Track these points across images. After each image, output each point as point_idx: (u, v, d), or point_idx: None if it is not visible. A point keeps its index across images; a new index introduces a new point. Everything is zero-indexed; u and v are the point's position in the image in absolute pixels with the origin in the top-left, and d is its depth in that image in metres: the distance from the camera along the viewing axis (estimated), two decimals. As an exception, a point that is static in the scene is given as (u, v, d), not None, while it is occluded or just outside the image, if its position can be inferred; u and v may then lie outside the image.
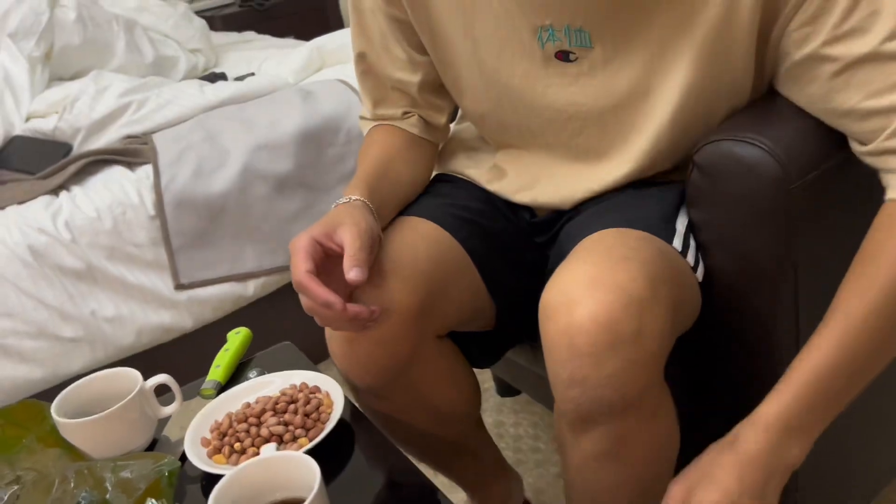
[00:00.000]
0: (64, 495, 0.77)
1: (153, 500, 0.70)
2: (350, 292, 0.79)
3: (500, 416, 1.49)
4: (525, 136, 0.94)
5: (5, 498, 0.79)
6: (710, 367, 0.88)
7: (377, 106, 1.00)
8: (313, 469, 0.66)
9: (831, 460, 0.93)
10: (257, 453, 0.80)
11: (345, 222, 0.79)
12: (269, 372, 0.96)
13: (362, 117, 1.03)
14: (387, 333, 0.82)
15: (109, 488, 0.77)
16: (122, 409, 0.83)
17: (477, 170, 1.03)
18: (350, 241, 0.77)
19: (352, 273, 0.74)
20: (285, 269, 1.63)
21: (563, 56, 0.84)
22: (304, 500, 0.68)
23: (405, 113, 0.99)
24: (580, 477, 0.77)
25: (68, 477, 0.79)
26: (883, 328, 0.67)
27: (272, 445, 0.74)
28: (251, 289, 1.61)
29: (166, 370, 0.92)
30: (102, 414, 0.82)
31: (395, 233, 0.89)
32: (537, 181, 0.96)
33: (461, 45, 0.90)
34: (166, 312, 1.52)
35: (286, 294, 1.67)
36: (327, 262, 0.78)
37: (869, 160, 0.73)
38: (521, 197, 0.97)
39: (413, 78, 0.96)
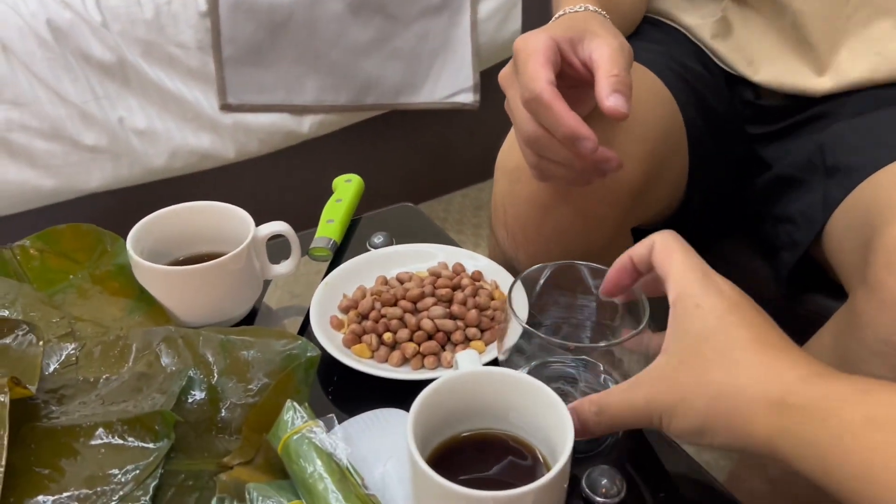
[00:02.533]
0: (150, 370, 0.54)
1: (297, 407, 0.48)
2: None
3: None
4: None
5: (62, 358, 0.56)
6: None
7: None
8: (563, 416, 0.45)
9: None
10: (419, 352, 0.58)
11: (597, 32, 0.55)
12: (396, 239, 0.73)
13: None
14: (597, 207, 0.61)
15: (216, 372, 0.54)
16: (229, 261, 0.59)
17: (698, 18, 0.78)
18: (609, 56, 0.52)
19: (611, 100, 0.51)
20: (348, 108, 1.37)
21: None
22: (526, 448, 0.47)
23: None
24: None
25: (152, 344, 0.56)
26: None
27: (472, 353, 0.52)
28: (306, 125, 1.34)
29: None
30: (206, 264, 0.58)
31: None
32: (780, 55, 0.72)
33: None
34: (206, 135, 1.26)
35: (346, 139, 1.41)
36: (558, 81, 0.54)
37: None
38: (753, 72, 0.74)
39: None
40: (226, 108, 1.27)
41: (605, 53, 0.53)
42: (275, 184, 1.40)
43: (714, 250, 0.84)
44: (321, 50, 1.32)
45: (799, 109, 0.75)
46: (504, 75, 0.57)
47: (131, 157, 1.20)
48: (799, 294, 0.73)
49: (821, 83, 0.72)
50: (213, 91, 1.25)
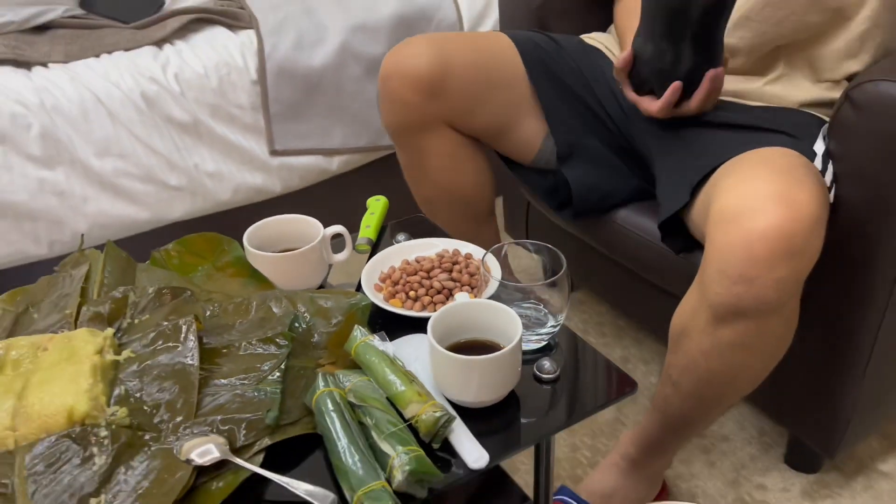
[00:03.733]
0: (268, 314, 0.88)
1: (360, 328, 0.82)
2: None
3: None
4: None
5: (207, 312, 0.90)
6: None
7: None
8: (515, 321, 0.78)
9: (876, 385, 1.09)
10: (432, 301, 0.92)
11: None
12: (413, 237, 1.07)
13: None
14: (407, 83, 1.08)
15: (308, 315, 0.88)
16: (310, 250, 0.93)
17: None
18: None
19: None
20: (367, 149, 1.72)
21: None
22: (498, 345, 0.80)
23: None
24: (705, 360, 0.90)
25: (266, 301, 0.90)
26: None
27: (465, 294, 0.86)
28: (335, 164, 1.69)
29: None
30: (296, 251, 0.93)
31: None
32: None
33: None
34: (259, 174, 1.60)
35: (365, 173, 1.76)
36: None
37: None
38: None
39: None
40: (274, 153, 1.61)
41: None
42: (311, 209, 1.74)
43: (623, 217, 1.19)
44: (346, 104, 1.67)
45: None
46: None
47: (204, 193, 1.55)
48: (685, 249, 1.07)
49: None
50: (263, 140, 1.60)
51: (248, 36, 1.60)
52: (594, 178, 1.16)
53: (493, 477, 0.97)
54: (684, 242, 1.06)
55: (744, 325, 0.84)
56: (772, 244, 0.78)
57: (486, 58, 1.14)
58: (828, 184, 0.93)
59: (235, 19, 1.64)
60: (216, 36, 1.59)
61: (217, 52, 1.56)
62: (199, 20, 1.63)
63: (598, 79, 1.18)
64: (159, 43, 1.58)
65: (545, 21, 1.36)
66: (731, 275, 0.81)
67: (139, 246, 1.50)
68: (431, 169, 1.17)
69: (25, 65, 1.49)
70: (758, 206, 0.79)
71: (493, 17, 1.77)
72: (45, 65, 1.49)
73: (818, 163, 0.93)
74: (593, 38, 1.26)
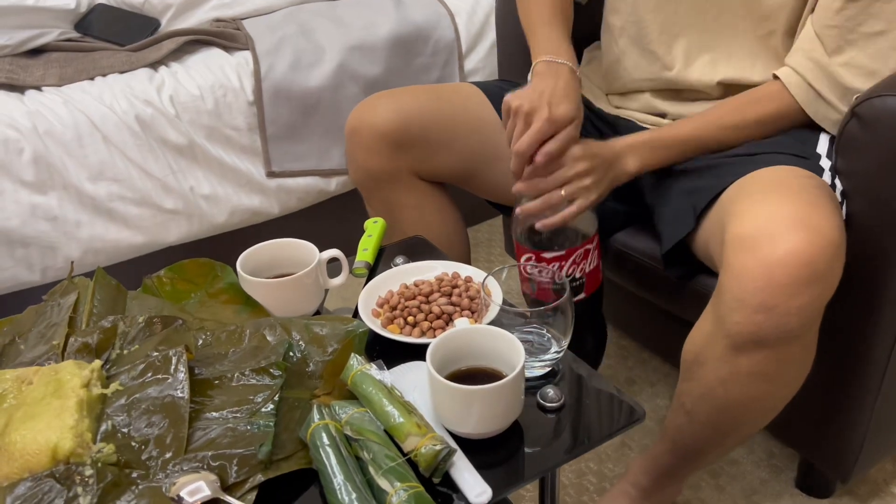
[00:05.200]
0: (261, 343, 0.85)
1: (357, 356, 0.79)
2: None
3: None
4: None
5: (199, 341, 0.87)
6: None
7: None
8: (517, 347, 0.76)
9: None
10: (431, 327, 0.89)
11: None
12: (411, 260, 1.04)
13: None
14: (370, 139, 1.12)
15: (303, 344, 0.85)
16: (305, 275, 0.91)
17: None
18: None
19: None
20: (366, 169, 1.70)
21: None
22: (500, 373, 0.77)
23: None
24: (723, 389, 0.86)
25: (260, 328, 0.87)
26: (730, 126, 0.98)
27: (465, 320, 0.83)
28: (333, 185, 1.67)
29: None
30: (291, 277, 0.90)
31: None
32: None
33: None
34: (256, 197, 1.58)
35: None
36: None
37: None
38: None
39: None
40: (271, 175, 1.59)
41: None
42: (310, 231, 1.72)
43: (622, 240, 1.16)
44: (343, 125, 1.65)
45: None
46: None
47: (200, 216, 1.52)
48: (689, 276, 1.04)
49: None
50: (260, 162, 1.58)
51: (244, 57, 1.58)
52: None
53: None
54: (686, 269, 1.03)
55: (764, 354, 0.81)
56: (792, 271, 0.75)
57: (448, 105, 1.16)
58: (839, 198, 0.90)
59: (232, 40, 1.63)
60: (212, 57, 1.58)
61: (213, 73, 1.54)
62: (195, 41, 1.62)
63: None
64: (154, 65, 1.56)
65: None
66: (750, 303, 0.77)
67: (134, 271, 1.48)
68: (400, 221, 1.18)
69: (19, 88, 1.47)
70: (776, 232, 0.76)
71: (491, 36, 1.75)
72: (39, 88, 1.48)
73: (826, 178, 0.90)
74: None
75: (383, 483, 0.68)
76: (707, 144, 1.00)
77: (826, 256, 0.75)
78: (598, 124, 1.19)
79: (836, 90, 0.93)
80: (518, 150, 0.95)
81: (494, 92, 1.17)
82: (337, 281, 0.97)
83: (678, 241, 0.97)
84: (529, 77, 1.03)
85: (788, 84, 0.96)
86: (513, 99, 0.96)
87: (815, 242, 0.75)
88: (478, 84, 1.21)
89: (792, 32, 0.99)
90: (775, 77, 0.98)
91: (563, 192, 0.95)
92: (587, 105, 1.22)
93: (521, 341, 0.77)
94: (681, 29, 1.06)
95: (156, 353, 0.80)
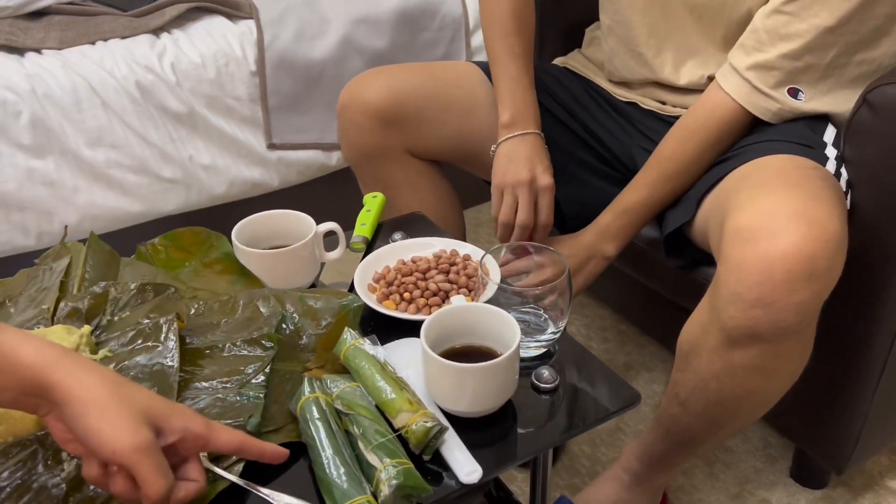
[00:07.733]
0: (255, 314, 0.84)
1: (351, 331, 0.78)
2: None
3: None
4: None
5: (192, 310, 0.86)
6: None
7: None
8: (513, 327, 0.74)
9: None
10: (427, 304, 0.88)
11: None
12: (409, 236, 1.03)
13: None
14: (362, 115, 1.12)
15: (296, 316, 0.84)
16: (301, 247, 0.89)
17: None
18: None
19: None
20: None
21: None
22: (495, 352, 0.76)
23: None
24: (716, 382, 0.85)
25: (254, 300, 0.86)
26: (685, 160, 0.97)
27: (461, 297, 0.82)
28: (334, 160, 1.65)
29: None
30: (286, 248, 0.89)
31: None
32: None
33: None
34: (256, 168, 1.56)
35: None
36: None
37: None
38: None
39: None
40: (271, 146, 1.58)
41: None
42: (309, 205, 1.70)
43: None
44: (346, 98, 1.63)
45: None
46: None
47: (199, 186, 1.51)
48: (688, 266, 1.03)
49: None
50: (261, 133, 1.56)
51: (247, 26, 1.56)
52: (585, 195, 1.15)
53: (489, 486, 0.93)
54: (686, 257, 1.02)
55: (759, 348, 0.79)
56: (792, 266, 0.73)
57: (444, 84, 1.15)
58: (843, 189, 0.88)
59: (235, 9, 1.60)
60: (215, 25, 1.55)
61: (215, 41, 1.52)
62: (198, 9, 1.59)
63: (578, 100, 1.18)
64: (156, 31, 1.54)
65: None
66: (747, 298, 0.76)
67: (130, 239, 1.46)
68: (394, 199, 1.16)
69: (18, 51, 1.45)
70: (776, 226, 0.74)
71: (500, 11, 1.72)
72: (38, 51, 1.45)
73: (830, 167, 0.88)
74: (567, 61, 1.27)
75: (372, 458, 0.67)
76: (675, 190, 1.01)
77: (827, 252, 0.74)
78: (598, 101, 1.17)
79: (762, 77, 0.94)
80: (503, 221, 1.06)
81: None
82: (333, 255, 0.95)
83: (677, 228, 0.96)
84: (493, 149, 1.08)
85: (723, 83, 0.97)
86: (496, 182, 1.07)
87: (815, 238, 0.73)
88: (479, 63, 1.19)
89: None
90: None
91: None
92: (587, 84, 1.20)
93: (518, 321, 0.76)
94: (668, 33, 1.05)
95: (146, 321, 0.79)
